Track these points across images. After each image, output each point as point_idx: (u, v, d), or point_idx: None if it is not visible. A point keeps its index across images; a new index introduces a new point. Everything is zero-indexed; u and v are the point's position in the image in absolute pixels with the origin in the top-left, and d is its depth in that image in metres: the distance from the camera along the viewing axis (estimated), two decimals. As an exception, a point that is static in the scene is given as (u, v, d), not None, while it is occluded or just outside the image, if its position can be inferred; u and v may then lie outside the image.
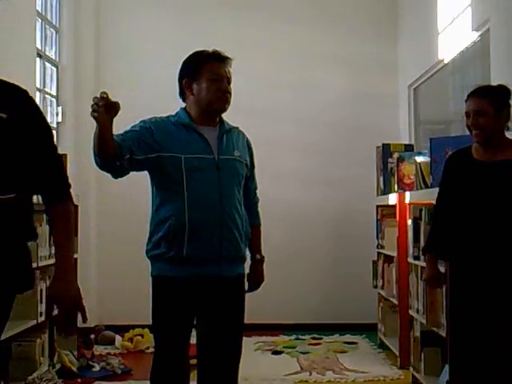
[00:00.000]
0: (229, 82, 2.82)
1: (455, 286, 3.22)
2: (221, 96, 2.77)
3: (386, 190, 5.33)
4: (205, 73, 2.77)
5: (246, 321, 6.59)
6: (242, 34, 6.38)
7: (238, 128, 2.99)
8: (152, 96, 5.81)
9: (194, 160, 2.72)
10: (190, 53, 2.87)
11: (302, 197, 6.43)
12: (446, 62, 5.15)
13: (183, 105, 2.88)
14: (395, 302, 5.01)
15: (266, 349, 5.57)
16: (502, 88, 3.14)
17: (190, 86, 2.80)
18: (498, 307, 3.02)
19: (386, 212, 5.52)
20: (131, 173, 2.78)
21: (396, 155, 5.08)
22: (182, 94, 2.86)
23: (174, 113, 2.86)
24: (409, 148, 5.45)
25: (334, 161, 6.47)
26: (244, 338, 5.93)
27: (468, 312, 3.10)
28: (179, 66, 2.87)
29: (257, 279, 3.14)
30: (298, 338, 5.96)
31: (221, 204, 2.74)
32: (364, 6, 6.56)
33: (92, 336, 5.55)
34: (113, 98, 2.37)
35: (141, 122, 2.78)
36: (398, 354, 4.93)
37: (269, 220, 6.27)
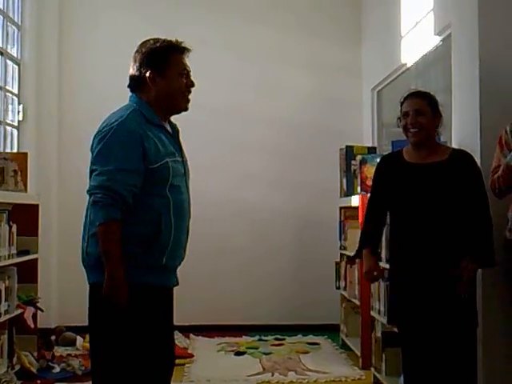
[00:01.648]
0: (190, 76, 2.64)
1: (391, 287, 3.33)
2: (187, 94, 2.60)
3: (349, 192, 5.37)
4: (173, 66, 2.56)
5: (209, 322, 6.61)
6: (209, 34, 6.38)
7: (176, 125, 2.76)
8: (115, 94, 5.77)
9: (174, 163, 2.56)
10: (149, 40, 2.60)
11: (266, 198, 6.45)
12: (408, 65, 5.21)
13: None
14: (357, 303, 5.05)
15: (229, 350, 5.56)
16: (432, 94, 3.26)
17: (155, 78, 2.54)
18: (431, 308, 3.07)
19: (348, 213, 5.56)
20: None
21: (359, 157, 5.12)
22: (138, 85, 2.58)
23: (129, 106, 2.57)
24: (372, 150, 5.50)
25: (299, 162, 6.50)
26: (207, 339, 5.98)
27: (404, 311, 3.17)
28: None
29: None
30: (260, 339, 5.97)
31: (189, 211, 2.66)
32: (329, 10, 6.61)
33: (53, 337, 5.48)
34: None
35: (128, 134, 2.46)
36: (359, 354, 4.97)
37: (233, 221, 6.41)
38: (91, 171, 2.50)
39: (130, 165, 2.43)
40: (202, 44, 6.33)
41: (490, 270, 3.41)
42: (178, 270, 2.72)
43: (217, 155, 6.40)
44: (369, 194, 3.51)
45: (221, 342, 5.85)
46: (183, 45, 2.61)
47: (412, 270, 3.11)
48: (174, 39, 2.61)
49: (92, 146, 2.54)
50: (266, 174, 6.45)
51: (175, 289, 2.76)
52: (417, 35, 4.85)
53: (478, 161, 3.41)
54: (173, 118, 2.73)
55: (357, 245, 4.86)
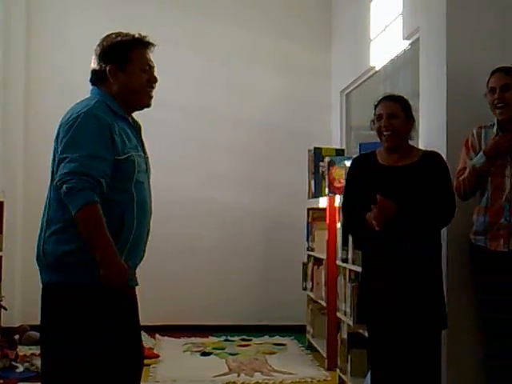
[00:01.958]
0: (154, 71, 2.58)
1: (361, 287, 3.34)
2: (149, 88, 2.53)
3: (317, 193, 5.40)
4: (135, 60, 2.49)
5: (176, 322, 6.58)
6: (179, 33, 6.36)
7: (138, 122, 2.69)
8: (82, 89, 5.73)
9: (139, 158, 2.49)
10: (111, 33, 2.54)
11: (235, 198, 6.44)
12: (377, 69, 5.25)
13: None
14: (324, 304, 5.07)
15: (195, 350, 5.55)
16: (406, 98, 3.29)
17: (116, 73, 2.48)
18: (400, 309, 3.10)
19: (316, 215, 5.59)
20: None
21: (327, 159, 5.15)
22: (98, 79, 2.52)
23: (93, 98, 2.49)
24: (340, 152, 5.54)
25: (268, 163, 6.50)
26: (173, 339, 5.95)
27: (374, 311, 3.19)
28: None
29: None
30: (227, 340, 5.96)
31: (150, 208, 2.59)
32: (300, 11, 6.62)
33: (16, 336, 5.41)
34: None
35: (96, 123, 2.37)
36: (325, 355, 4.99)
37: (202, 221, 6.39)
38: (59, 161, 2.36)
39: (101, 152, 2.34)
40: (172, 43, 6.33)
41: (456, 273, 3.46)
42: (144, 269, 2.68)
43: (186, 154, 6.38)
44: (342, 196, 3.50)
45: (187, 342, 5.83)
46: (147, 39, 2.55)
47: (383, 271, 3.13)
48: (136, 33, 2.54)
49: (57, 136, 2.43)
50: (234, 174, 6.44)
51: (142, 288, 2.71)
52: (386, 39, 4.88)
53: (445, 164, 3.45)
54: (141, 116, 2.71)
55: (324, 246, 4.93)
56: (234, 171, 6.44)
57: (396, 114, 3.18)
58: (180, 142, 6.36)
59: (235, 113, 6.47)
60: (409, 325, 3.10)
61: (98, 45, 2.54)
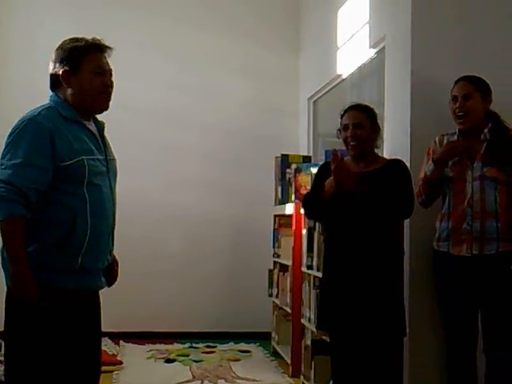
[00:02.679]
0: (111, 75, 2.57)
1: (322, 294, 3.36)
2: (104, 92, 2.52)
3: (284, 200, 5.40)
4: (86, 64, 2.49)
5: (140, 328, 6.51)
6: (145, 37, 6.33)
7: (103, 122, 2.69)
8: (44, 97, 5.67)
9: (93, 161, 2.49)
10: (66, 39, 2.56)
11: (200, 204, 6.41)
12: (344, 77, 5.28)
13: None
14: (289, 310, 5.07)
15: (159, 357, 5.50)
16: (372, 107, 3.35)
17: (68, 77, 2.49)
18: (360, 316, 3.12)
19: (282, 221, 5.60)
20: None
21: (294, 166, 5.16)
22: (54, 84, 2.54)
23: (47, 104, 2.52)
24: (307, 159, 5.55)
25: (234, 169, 6.48)
26: (137, 346, 5.89)
27: (334, 318, 3.21)
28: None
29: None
30: (192, 347, 5.92)
31: (113, 211, 2.59)
32: (268, 18, 6.62)
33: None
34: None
35: (36, 128, 2.39)
36: (289, 362, 4.98)
37: (167, 226, 6.34)
38: None
39: (36, 160, 2.36)
40: (140, 47, 6.30)
41: (418, 280, 3.48)
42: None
43: (152, 159, 6.33)
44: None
45: (151, 349, 5.77)
46: (101, 43, 2.55)
47: (343, 278, 3.15)
48: (91, 38, 2.55)
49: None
50: (201, 179, 6.40)
51: (105, 294, 2.69)
52: (352, 47, 4.91)
53: (408, 172, 3.48)
54: (107, 120, 2.69)
55: (290, 253, 4.93)
56: (201, 176, 6.40)
57: (362, 124, 3.22)
58: (146, 146, 6.32)
59: (202, 118, 6.45)
60: (368, 332, 3.12)
61: (55, 51, 2.56)
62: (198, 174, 6.40)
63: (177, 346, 5.92)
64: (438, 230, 3.32)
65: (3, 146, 2.42)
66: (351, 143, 3.23)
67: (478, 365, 3.29)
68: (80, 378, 2.51)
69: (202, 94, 6.46)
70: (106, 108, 2.58)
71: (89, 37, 2.56)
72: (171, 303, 6.30)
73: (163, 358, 5.45)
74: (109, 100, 2.56)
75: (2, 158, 2.41)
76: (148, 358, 5.45)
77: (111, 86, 2.56)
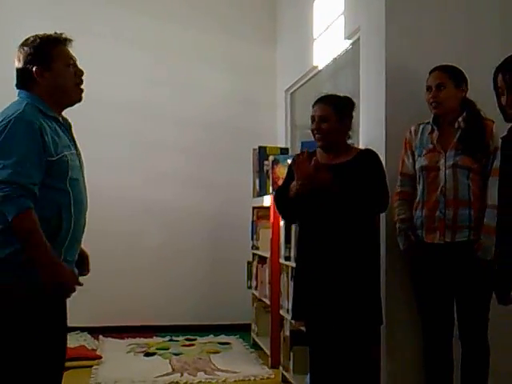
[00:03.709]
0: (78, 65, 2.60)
1: (296, 284, 3.37)
2: (79, 82, 2.57)
3: (262, 192, 5.41)
4: (58, 58, 2.52)
5: (120, 323, 6.49)
6: (123, 30, 6.29)
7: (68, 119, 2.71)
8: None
9: (72, 156, 2.52)
10: (29, 37, 2.57)
11: (179, 198, 6.39)
12: (320, 68, 5.28)
13: None
14: (268, 302, 5.08)
15: (139, 351, 5.49)
16: (347, 99, 3.37)
17: (42, 73, 2.50)
18: (335, 305, 3.14)
19: (261, 214, 5.60)
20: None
21: (271, 158, 5.16)
22: (24, 82, 2.53)
23: (22, 100, 2.49)
24: (284, 151, 5.56)
25: (212, 162, 6.48)
26: (116, 340, 5.87)
27: (309, 308, 3.23)
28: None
29: None
30: (171, 340, 5.92)
31: (86, 206, 2.62)
32: (245, 10, 6.61)
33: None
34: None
35: (28, 129, 2.38)
36: (269, 353, 5.00)
37: (145, 220, 6.32)
38: None
39: (32, 156, 2.37)
40: (116, 41, 6.26)
41: (394, 269, 3.50)
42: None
43: (129, 153, 6.30)
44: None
45: (131, 343, 5.76)
46: (64, 36, 2.59)
47: (317, 267, 3.16)
48: (53, 32, 2.59)
49: None
50: (179, 172, 6.39)
51: (84, 289, 2.66)
52: (328, 38, 4.92)
53: (383, 163, 3.49)
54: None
55: (269, 245, 4.94)
56: (178, 170, 6.39)
57: (327, 117, 3.25)
58: (123, 140, 6.28)
59: (179, 111, 6.43)
60: (343, 321, 3.14)
61: (19, 50, 2.56)
62: (175, 167, 6.39)
63: (156, 340, 5.91)
64: (414, 218, 3.34)
65: None
66: (316, 135, 3.29)
67: (454, 353, 3.33)
68: (47, 372, 2.50)
69: (178, 87, 6.44)
70: (80, 100, 2.60)
71: (49, 32, 2.59)
72: (150, 297, 6.29)
73: (143, 352, 5.44)
74: (83, 90, 2.59)
75: None
76: (127, 352, 5.44)
77: (83, 74, 2.60)
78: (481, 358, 3.23)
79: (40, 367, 2.45)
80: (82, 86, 2.59)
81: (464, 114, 3.29)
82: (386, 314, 3.51)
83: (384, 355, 3.61)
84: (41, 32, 2.59)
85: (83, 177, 2.62)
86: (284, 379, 4.51)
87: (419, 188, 3.32)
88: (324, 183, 3.10)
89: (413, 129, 3.44)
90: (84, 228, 2.61)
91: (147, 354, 5.38)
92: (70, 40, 2.59)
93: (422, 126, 3.41)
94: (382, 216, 3.57)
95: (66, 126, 2.62)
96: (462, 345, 3.27)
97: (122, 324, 6.14)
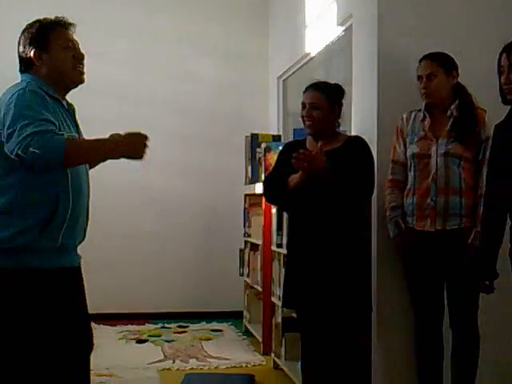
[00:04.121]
0: (80, 49, 2.62)
1: (287, 272, 3.37)
2: (77, 65, 2.57)
3: (254, 179, 5.40)
4: (55, 41, 2.54)
5: (111, 310, 6.49)
6: (116, 19, 6.25)
7: (73, 105, 2.73)
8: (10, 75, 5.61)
9: (71, 137, 2.51)
10: (30, 22, 2.62)
11: (171, 186, 6.39)
12: (312, 55, 5.27)
13: None
14: (260, 289, 5.10)
15: (131, 338, 5.51)
16: (337, 87, 3.34)
17: (41, 56, 2.53)
18: (325, 292, 3.14)
19: (253, 201, 5.61)
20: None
21: (264, 145, 5.15)
22: (27, 66, 2.57)
23: (24, 82, 2.50)
24: (276, 138, 5.55)
25: (204, 149, 6.47)
26: (108, 327, 5.87)
27: (300, 296, 3.23)
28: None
29: None
30: (163, 327, 5.94)
31: (87, 189, 2.64)
32: (237, -3, 6.60)
33: None
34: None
35: (34, 98, 2.40)
36: (261, 340, 5.02)
37: (138, 208, 6.31)
38: (9, 135, 2.31)
39: (49, 116, 2.37)
40: (109, 29, 6.22)
41: (385, 256, 3.51)
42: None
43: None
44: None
45: (123, 330, 5.78)
46: (64, 20, 2.61)
47: (307, 255, 3.17)
48: (53, 17, 2.61)
49: None
50: (170, 160, 6.37)
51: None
52: (321, 25, 4.90)
53: (375, 150, 3.50)
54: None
55: (261, 232, 4.94)
56: (170, 157, 6.37)
57: (318, 104, 3.22)
58: (117, 128, 6.15)
59: (172, 99, 6.41)
60: (333, 308, 3.15)
61: (21, 35, 2.60)
62: (167, 155, 6.35)
63: (148, 327, 5.93)
64: (405, 205, 3.35)
65: (5, 119, 2.35)
66: (306, 122, 3.25)
67: (445, 342, 3.35)
68: (70, 356, 2.53)
69: (170, 74, 6.42)
70: (82, 81, 2.62)
71: (51, 17, 2.61)
72: (142, 284, 6.30)
73: (135, 339, 5.46)
74: (83, 73, 2.61)
75: (13, 125, 2.32)
76: (119, 339, 5.46)
77: (83, 58, 2.61)
78: (471, 345, 3.25)
79: (51, 350, 2.45)
80: (84, 70, 2.60)
81: (456, 102, 3.28)
82: (376, 301, 3.53)
83: (375, 342, 3.63)
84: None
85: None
86: (276, 366, 4.53)
87: (410, 175, 3.32)
88: (321, 167, 3.06)
89: (405, 116, 3.43)
90: (86, 214, 2.62)
91: (139, 341, 5.40)
92: (72, 24, 2.61)
93: (414, 114, 3.40)
94: (373, 204, 3.58)
95: (70, 111, 2.64)
96: (452, 332, 3.28)
97: (114, 311, 6.14)
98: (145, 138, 2.54)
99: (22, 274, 2.40)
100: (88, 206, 2.64)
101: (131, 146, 2.53)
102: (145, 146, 2.54)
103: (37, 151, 2.25)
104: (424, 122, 3.33)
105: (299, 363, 3.71)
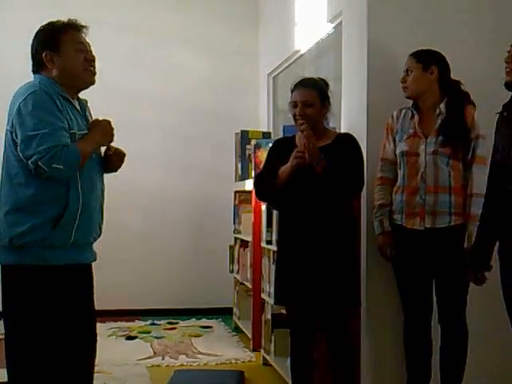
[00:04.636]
0: (91, 50, 2.70)
1: (277, 269, 3.37)
2: (88, 67, 2.65)
3: (244, 176, 5.40)
4: (67, 43, 2.61)
5: (101, 306, 6.46)
6: (103, 13, 6.21)
7: (86, 101, 2.83)
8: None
9: (80, 136, 2.60)
10: (43, 24, 2.70)
11: (161, 182, 6.38)
12: (302, 52, 5.27)
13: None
14: (249, 285, 5.10)
15: (121, 334, 5.50)
16: (324, 82, 3.33)
17: (52, 58, 2.60)
18: (314, 288, 3.14)
19: (243, 197, 5.61)
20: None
21: (254, 142, 5.15)
22: (39, 67, 2.64)
23: (33, 82, 2.62)
24: (266, 135, 5.55)
25: (195, 146, 6.46)
26: (98, 324, 5.80)
27: (290, 292, 3.23)
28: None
29: None
30: (153, 323, 5.93)
31: (101, 188, 2.75)
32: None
33: None
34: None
35: (44, 95, 2.50)
36: (250, 336, 5.02)
37: (127, 205, 6.29)
38: (27, 138, 2.44)
39: (60, 124, 2.48)
40: (97, 24, 6.12)
41: (375, 252, 3.51)
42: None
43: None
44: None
45: (112, 326, 5.77)
46: (76, 23, 2.68)
47: (298, 252, 3.17)
48: (67, 19, 2.68)
49: (11, 120, 2.52)
50: (160, 156, 6.37)
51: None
52: (311, 22, 4.89)
53: (364, 147, 3.50)
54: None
55: (250, 229, 4.94)
56: (160, 153, 6.37)
57: (311, 102, 3.20)
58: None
59: (161, 94, 6.39)
60: (322, 304, 3.15)
61: (34, 36, 2.68)
62: (157, 151, 6.37)
63: (138, 324, 5.93)
64: (394, 202, 3.35)
65: (21, 122, 2.46)
66: (299, 121, 3.20)
67: (433, 337, 3.36)
68: (76, 352, 2.62)
69: (160, 70, 6.40)
70: (92, 83, 2.70)
71: (65, 19, 2.69)
72: (132, 281, 6.29)
73: (124, 336, 5.46)
74: (94, 74, 2.69)
75: (31, 130, 2.44)
76: (109, 336, 5.45)
77: (94, 60, 2.68)
78: (460, 341, 3.27)
79: (61, 346, 2.55)
80: (94, 70, 2.68)
81: (445, 100, 3.30)
82: (366, 295, 3.55)
83: (364, 338, 3.64)
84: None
85: (97, 159, 2.71)
86: (265, 362, 4.54)
87: (400, 173, 3.33)
88: (315, 159, 3.06)
89: (395, 114, 3.44)
90: (101, 211, 2.74)
91: (129, 338, 5.40)
92: (84, 26, 2.69)
93: (403, 111, 3.41)
94: (363, 200, 3.59)
95: (82, 108, 2.71)
96: (441, 328, 3.30)
97: (104, 308, 6.10)
98: (109, 122, 2.72)
99: (36, 270, 2.48)
100: (102, 203, 2.76)
101: (104, 133, 2.66)
102: (112, 129, 2.70)
103: (61, 167, 2.42)
104: (413, 119, 3.34)
105: (288, 359, 3.72)
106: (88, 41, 2.70)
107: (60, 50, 2.60)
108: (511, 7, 3.79)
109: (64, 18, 2.68)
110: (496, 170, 2.85)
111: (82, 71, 2.63)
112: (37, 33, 2.67)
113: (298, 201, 3.17)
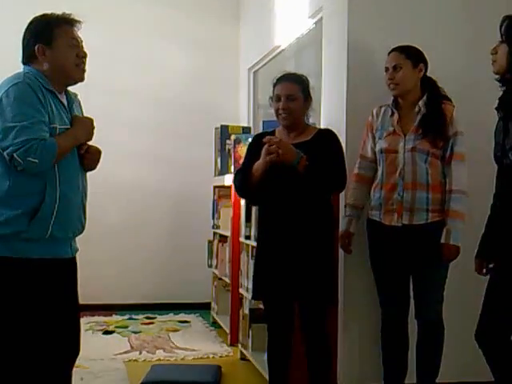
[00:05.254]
0: (83, 46, 2.69)
1: (256, 264, 3.35)
2: (80, 63, 2.64)
3: (223, 171, 5.39)
4: (60, 38, 2.60)
5: (80, 301, 6.42)
6: (84, 7, 6.12)
7: (76, 94, 2.83)
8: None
9: (63, 130, 2.58)
10: (37, 16, 2.66)
11: (139, 176, 6.35)
12: (283, 47, 5.27)
13: None
14: (228, 280, 5.10)
15: (98, 329, 5.47)
16: (306, 77, 3.32)
17: (44, 52, 2.58)
18: (291, 284, 3.15)
19: (222, 193, 5.59)
20: None
21: (233, 137, 5.15)
22: (29, 59, 2.62)
23: (18, 74, 2.58)
24: (246, 130, 5.54)
25: (174, 140, 6.43)
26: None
27: (268, 287, 3.23)
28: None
29: None
30: (131, 318, 5.91)
31: (83, 184, 2.72)
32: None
33: None
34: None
35: (28, 89, 2.48)
36: (228, 331, 5.02)
37: (105, 199, 6.25)
38: (4, 130, 2.43)
39: (41, 117, 2.47)
40: (78, 18, 6.12)
41: (352, 249, 3.52)
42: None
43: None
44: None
45: (90, 321, 5.73)
46: (71, 17, 2.67)
47: (276, 248, 3.17)
48: (61, 12, 2.67)
49: None
50: (139, 151, 6.33)
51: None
52: (291, 17, 4.90)
53: (344, 142, 3.52)
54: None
55: (229, 224, 4.94)
56: (139, 148, 6.33)
57: (294, 96, 3.19)
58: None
59: (140, 88, 6.34)
60: (299, 300, 3.17)
61: (27, 27, 2.65)
62: (136, 145, 6.32)
63: (116, 318, 5.90)
64: (372, 199, 3.37)
65: (4, 110, 2.45)
66: (282, 115, 3.20)
67: (410, 332, 3.39)
68: (54, 349, 2.62)
69: (139, 64, 6.36)
70: (82, 79, 2.70)
71: (58, 11, 2.68)
72: (110, 275, 6.25)
73: (101, 330, 5.43)
74: (84, 71, 2.68)
75: (10, 121, 2.43)
76: (86, 330, 5.40)
77: (85, 56, 2.68)
78: (436, 336, 3.30)
79: (41, 339, 2.54)
80: (84, 67, 2.68)
81: (424, 98, 3.31)
82: (343, 292, 3.57)
83: (341, 333, 3.66)
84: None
85: (79, 154, 2.67)
86: (243, 357, 4.54)
87: (379, 170, 3.34)
88: (290, 160, 3.05)
89: (375, 111, 3.45)
90: (82, 206, 2.72)
91: (106, 332, 5.37)
92: (78, 21, 2.68)
93: (383, 109, 3.42)
94: (342, 197, 3.60)
95: (71, 102, 2.70)
96: (418, 323, 3.33)
97: (81, 302, 6.06)
98: (91, 120, 2.72)
99: (12, 262, 2.48)
100: (84, 199, 2.74)
101: (85, 130, 2.67)
102: (93, 128, 2.70)
103: (35, 161, 2.40)
104: (393, 117, 3.35)
105: (265, 354, 3.73)
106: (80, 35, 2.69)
107: (52, 44, 2.58)
108: (484, 6, 3.82)
109: (58, 11, 2.66)
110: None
111: (73, 67, 2.62)
112: (29, 24, 2.64)
113: (277, 197, 3.17)
